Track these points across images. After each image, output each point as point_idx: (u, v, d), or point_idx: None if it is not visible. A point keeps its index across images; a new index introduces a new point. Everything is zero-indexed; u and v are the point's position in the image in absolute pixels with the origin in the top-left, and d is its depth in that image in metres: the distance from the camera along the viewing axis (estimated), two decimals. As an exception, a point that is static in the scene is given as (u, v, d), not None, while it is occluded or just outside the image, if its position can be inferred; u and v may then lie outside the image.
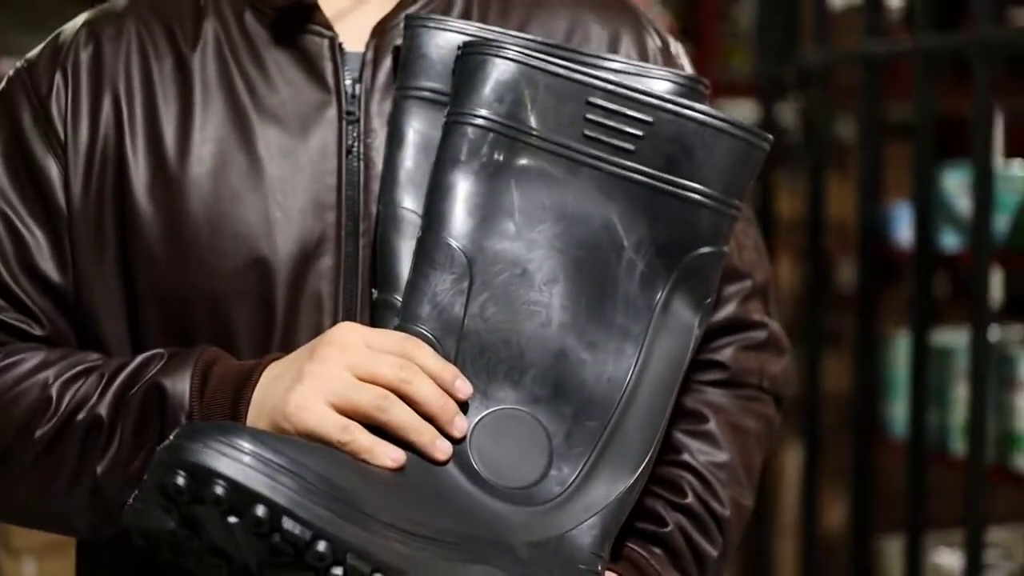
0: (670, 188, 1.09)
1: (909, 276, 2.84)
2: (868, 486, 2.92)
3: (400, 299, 1.08)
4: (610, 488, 1.06)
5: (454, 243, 1.07)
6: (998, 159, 4.03)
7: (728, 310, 1.23)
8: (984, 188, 2.57)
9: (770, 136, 1.12)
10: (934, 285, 2.98)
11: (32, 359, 1.12)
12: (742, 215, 1.20)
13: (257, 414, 1.04)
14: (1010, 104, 3.81)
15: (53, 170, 1.16)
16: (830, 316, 3.18)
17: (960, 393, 2.79)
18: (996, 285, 4.07)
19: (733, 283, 1.23)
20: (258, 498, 0.94)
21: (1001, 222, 2.76)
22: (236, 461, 0.94)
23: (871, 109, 2.91)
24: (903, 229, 3.00)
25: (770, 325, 1.26)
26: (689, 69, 1.25)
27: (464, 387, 1.05)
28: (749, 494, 1.22)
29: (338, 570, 0.96)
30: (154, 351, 1.11)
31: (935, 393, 2.84)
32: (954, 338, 2.87)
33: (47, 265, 1.15)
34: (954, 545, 2.82)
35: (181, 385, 1.07)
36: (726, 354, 1.23)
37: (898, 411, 2.94)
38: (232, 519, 0.95)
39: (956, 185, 2.87)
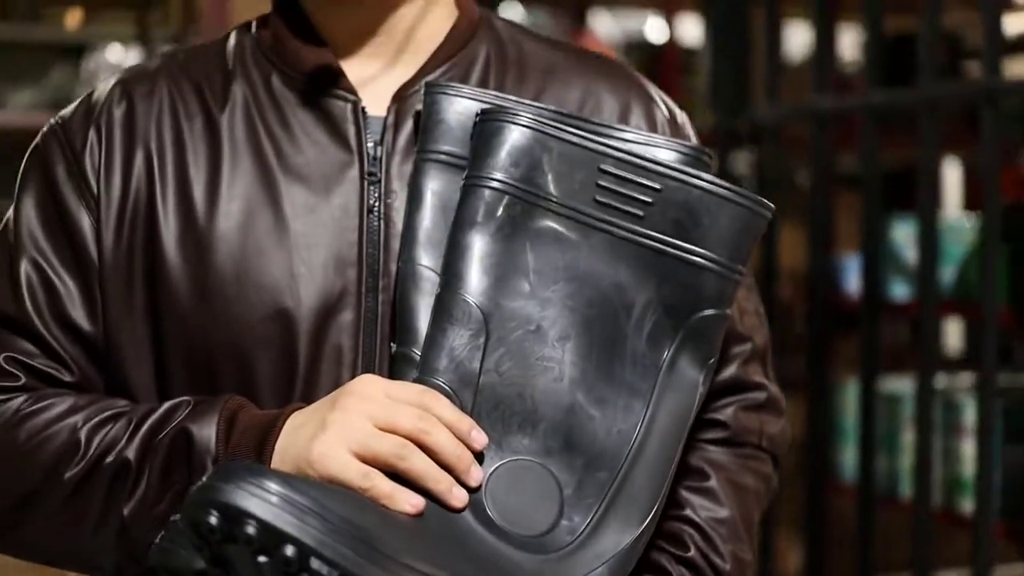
0: (677, 252, 1.13)
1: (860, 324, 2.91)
2: (822, 531, 2.97)
3: (418, 352, 1.12)
4: (619, 537, 1.09)
5: (471, 300, 1.11)
6: (954, 209, 4.12)
7: (730, 371, 1.27)
8: (929, 239, 2.64)
9: (772, 205, 1.16)
10: (891, 333, 3.05)
11: (61, 404, 1.16)
12: (746, 283, 1.25)
13: (280, 461, 1.08)
14: (968, 155, 3.90)
15: (85, 222, 1.20)
16: (785, 363, 3.24)
17: (908, 439, 2.85)
18: (954, 333, 4.14)
19: (735, 346, 1.27)
20: (287, 538, 0.98)
21: (948, 272, 2.83)
22: (266, 502, 0.98)
23: (821, 162, 2.99)
24: (853, 278, 3.07)
25: (769, 387, 1.30)
26: (694, 139, 1.31)
27: (480, 438, 1.08)
28: (748, 549, 1.25)
29: None
30: (181, 399, 1.15)
31: (884, 439, 2.90)
32: (902, 385, 2.94)
33: (78, 314, 1.19)
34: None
35: (208, 431, 1.11)
36: (727, 413, 1.26)
37: (848, 457, 3.01)
38: (262, 558, 0.98)
39: (904, 236, 2.95)
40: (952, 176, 4.37)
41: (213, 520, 0.99)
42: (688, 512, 1.22)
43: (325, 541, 0.99)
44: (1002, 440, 2.68)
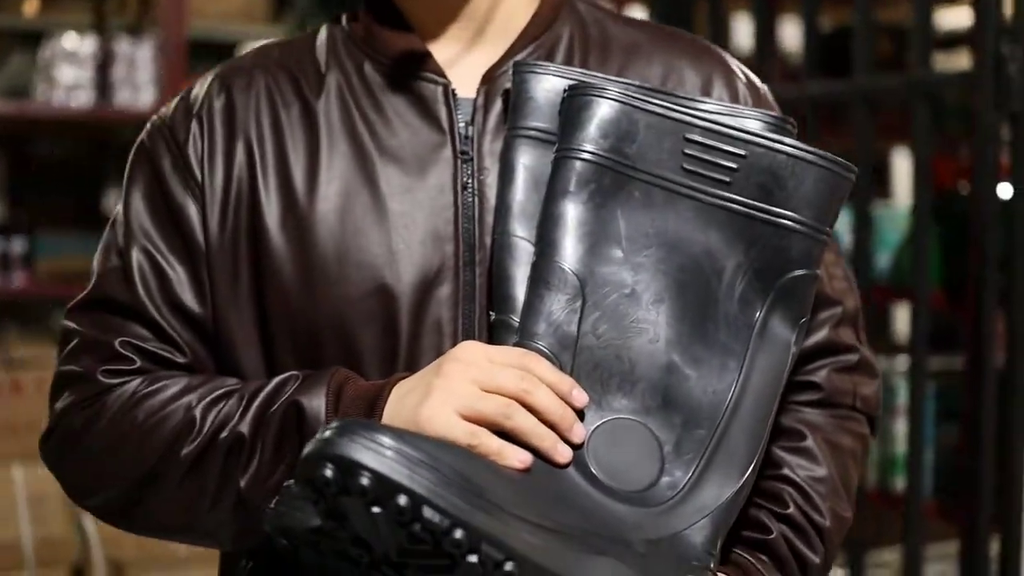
0: (765, 216, 1.17)
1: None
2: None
3: (517, 320, 1.16)
4: (719, 492, 1.13)
5: (566, 266, 1.15)
6: (904, 198, 4.18)
7: (821, 335, 1.30)
8: (864, 227, 2.72)
9: (855, 168, 1.19)
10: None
11: (176, 385, 1.21)
12: (832, 246, 1.30)
13: None
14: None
15: (192, 211, 1.25)
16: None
17: (845, 421, 2.91)
18: (902, 319, 4.23)
19: (825, 310, 1.31)
20: (400, 488, 1.02)
21: (883, 259, 2.90)
22: (379, 455, 1.02)
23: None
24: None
25: (861, 350, 1.34)
26: (776, 109, 1.35)
27: (580, 397, 1.13)
28: (847, 507, 1.29)
29: (473, 557, 1.03)
30: (289, 373, 1.20)
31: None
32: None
33: (188, 298, 1.24)
34: (841, 566, 2.94)
35: (317, 402, 1.16)
36: (820, 375, 1.30)
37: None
38: (376, 509, 1.02)
39: (841, 224, 3.02)
40: (902, 165, 4.44)
41: (328, 473, 1.03)
42: (786, 471, 1.26)
43: (437, 491, 1.02)
44: (935, 420, 2.75)
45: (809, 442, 1.27)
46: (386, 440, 1.03)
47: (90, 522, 3.38)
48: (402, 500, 1.02)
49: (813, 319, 1.27)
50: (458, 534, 1.02)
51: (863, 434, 1.33)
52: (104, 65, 4.15)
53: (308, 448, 1.05)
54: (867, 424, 1.35)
